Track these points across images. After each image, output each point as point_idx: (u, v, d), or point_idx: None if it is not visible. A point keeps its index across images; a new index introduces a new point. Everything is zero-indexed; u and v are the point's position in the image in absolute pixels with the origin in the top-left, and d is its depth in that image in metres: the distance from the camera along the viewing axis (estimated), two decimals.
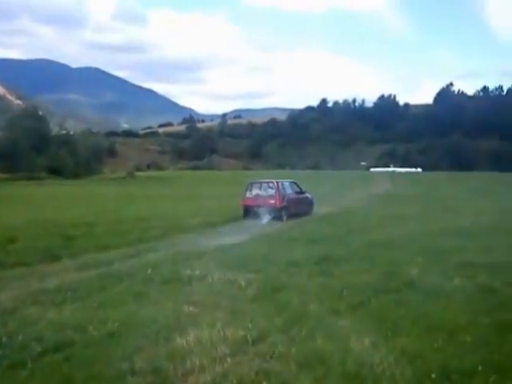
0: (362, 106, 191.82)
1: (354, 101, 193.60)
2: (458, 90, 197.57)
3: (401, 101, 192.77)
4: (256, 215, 19.16)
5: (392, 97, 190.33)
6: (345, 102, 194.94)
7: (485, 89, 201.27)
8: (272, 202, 19.64)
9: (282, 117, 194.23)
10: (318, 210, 22.69)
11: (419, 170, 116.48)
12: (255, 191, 20.61)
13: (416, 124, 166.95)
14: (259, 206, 19.52)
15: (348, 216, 21.02)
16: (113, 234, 14.66)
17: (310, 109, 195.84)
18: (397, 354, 4.79)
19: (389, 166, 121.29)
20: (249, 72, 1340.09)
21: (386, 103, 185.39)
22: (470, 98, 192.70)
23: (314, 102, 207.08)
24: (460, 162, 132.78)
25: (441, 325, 5.60)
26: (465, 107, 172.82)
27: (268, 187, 20.42)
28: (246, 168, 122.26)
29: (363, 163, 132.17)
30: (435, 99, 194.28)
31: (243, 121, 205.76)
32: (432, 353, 4.79)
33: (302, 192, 22.22)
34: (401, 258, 10.02)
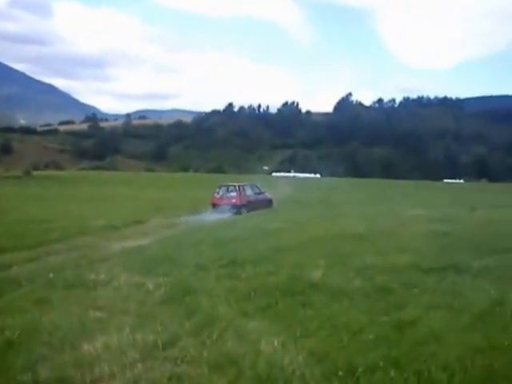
0: (266, 111, 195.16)
1: (259, 106, 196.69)
2: (356, 101, 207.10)
3: (303, 108, 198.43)
4: (222, 211, 24.23)
5: (295, 104, 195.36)
6: (250, 107, 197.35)
7: (380, 100, 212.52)
8: (234, 200, 25.36)
9: (188, 119, 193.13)
10: (219, 215, 22.89)
11: (318, 175, 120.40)
12: (222, 192, 26.38)
13: (316, 131, 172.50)
14: (225, 204, 25.09)
15: (253, 219, 21.28)
16: (9, 236, 13.86)
17: (215, 112, 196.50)
18: (305, 354, 4.96)
19: (290, 171, 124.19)
20: (156, 72, 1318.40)
21: (289, 110, 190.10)
22: (366, 108, 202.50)
23: (220, 106, 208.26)
24: (356, 169, 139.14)
25: (345, 324, 5.85)
26: (362, 117, 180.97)
27: (232, 189, 26.13)
28: (149, 170, 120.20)
29: (266, 168, 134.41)
30: (335, 108, 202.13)
31: (148, 121, 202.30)
32: (338, 351, 5.01)
33: (261, 192, 28.34)
34: (305, 261, 10.22)
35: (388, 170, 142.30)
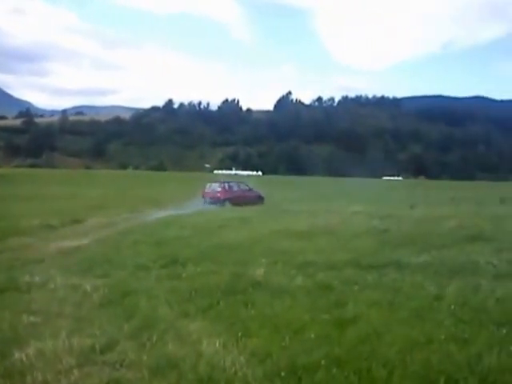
0: (206, 108, 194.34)
1: (200, 103, 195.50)
2: (296, 99, 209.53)
3: (244, 106, 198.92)
4: (210, 202, 29.25)
5: (236, 101, 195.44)
6: (190, 104, 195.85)
7: (319, 99, 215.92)
8: (218, 195, 30.24)
9: (127, 115, 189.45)
10: (160, 213, 22.54)
11: (259, 173, 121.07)
12: (211, 187, 31.43)
13: (257, 129, 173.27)
14: (211, 197, 30.18)
15: (194, 218, 21.06)
16: None
17: (155, 109, 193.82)
18: (247, 354, 4.92)
19: (231, 169, 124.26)
20: (93, 68, 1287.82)
21: (230, 107, 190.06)
22: (306, 106, 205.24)
23: (160, 102, 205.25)
24: (297, 166, 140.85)
25: (287, 323, 5.84)
26: (302, 115, 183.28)
27: (217, 186, 31.21)
28: (87, 167, 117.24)
29: (207, 165, 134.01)
30: (275, 106, 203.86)
31: (86, 118, 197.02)
32: (280, 351, 4.98)
33: (249, 189, 32.34)
34: (247, 259, 10.19)
35: (329, 168, 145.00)
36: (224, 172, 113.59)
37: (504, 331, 5.27)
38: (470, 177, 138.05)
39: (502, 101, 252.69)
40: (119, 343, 5.29)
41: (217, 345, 5.16)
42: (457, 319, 5.74)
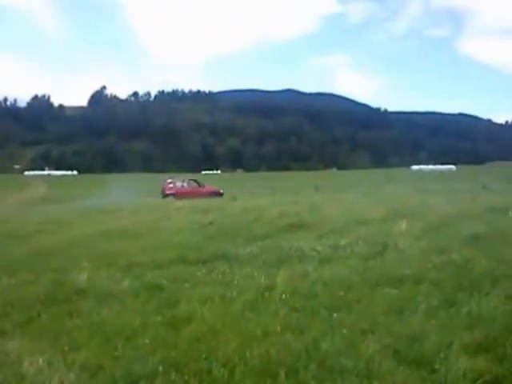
0: (14, 105, 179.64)
1: (6, 99, 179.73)
2: (111, 94, 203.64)
3: (55, 102, 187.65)
4: (164, 196, 35.38)
5: (46, 97, 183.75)
6: None
7: (135, 94, 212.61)
8: (168, 190, 36.22)
9: None
10: None
11: (75, 172, 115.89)
12: (164, 183, 37.31)
13: (71, 126, 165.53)
14: (165, 191, 36.12)
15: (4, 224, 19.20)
16: None
17: None
18: (77, 369, 4.49)
19: (44, 169, 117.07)
20: None
21: (40, 104, 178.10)
22: (122, 101, 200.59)
23: None
24: (115, 164, 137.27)
25: (118, 330, 5.49)
26: (117, 110, 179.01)
27: (168, 182, 37.18)
28: None
29: (17, 166, 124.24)
30: (89, 102, 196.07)
31: None
32: (114, 361, 4.64)
33: (200, 185, 37.41)
34: (67, 264, 9.49)
35: (147, 164, 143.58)
36: (36, 173, 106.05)
37: (335, 315, 5.51)
38: (285, 167, 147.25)
39: (310, 93, 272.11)
40: None
41: (40, 362, 4.61)
42: (290, 308, 5.88)
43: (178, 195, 33.66)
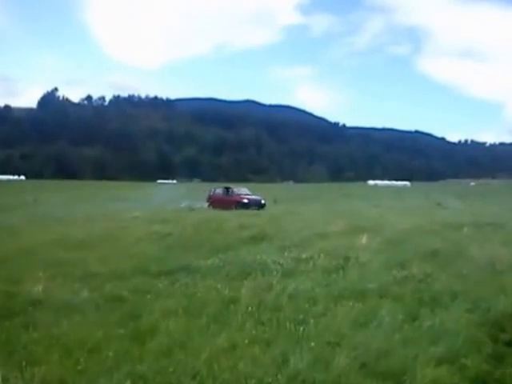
0: None
1: None
2: (63, 96, 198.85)
3: (1, 103, 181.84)
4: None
5: None
6: None
7: (89, 97, 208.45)
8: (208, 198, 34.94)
9: None
10: None
11: (22, 177, 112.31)
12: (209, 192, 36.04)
13: (19, 128, 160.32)
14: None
15: None
16: None
17: None
18: None
19: None
20: None
21: None
22: (74, 105, 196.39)
23: None
24: (65, 170, 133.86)
25: (79, 343, 5.33)
26: (69, 114, 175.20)
27: (207, 191, 36.70)
28: None
29: None
30: (39, 104, 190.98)
31: None
32: (76, 376, 4.52)
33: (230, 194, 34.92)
34: (20, 274, 9.09)
35: (99, 171, 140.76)
36: None
37: (301, 328, 5.54)
38: (244, 179, 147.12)
39: (270, 105, 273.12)
40: None
41: None
42: (256, 321, 5.87)
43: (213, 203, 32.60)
